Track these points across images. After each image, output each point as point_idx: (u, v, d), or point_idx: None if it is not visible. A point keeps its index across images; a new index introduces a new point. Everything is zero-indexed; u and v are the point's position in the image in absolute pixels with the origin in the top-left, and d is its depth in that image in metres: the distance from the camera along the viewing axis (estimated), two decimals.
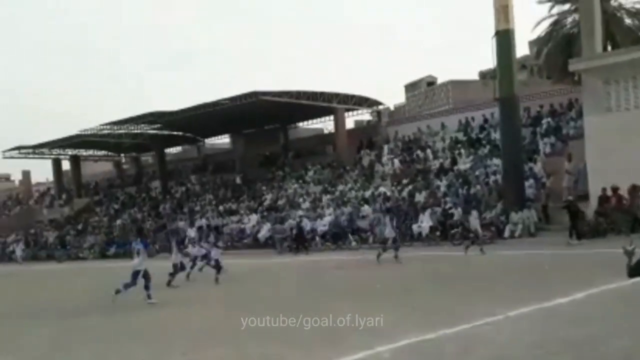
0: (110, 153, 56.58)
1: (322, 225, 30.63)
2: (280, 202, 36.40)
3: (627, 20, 37.74)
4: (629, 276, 6.58)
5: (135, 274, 14.93)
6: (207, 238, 21.70)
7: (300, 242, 29.11)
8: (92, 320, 13.50)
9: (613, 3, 37.71)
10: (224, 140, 53.46)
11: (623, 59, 23.28)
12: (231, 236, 34.35)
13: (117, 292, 14.90)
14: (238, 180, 43.28)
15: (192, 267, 20.52)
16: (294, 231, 29.90)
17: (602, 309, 10.06)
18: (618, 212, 21.52)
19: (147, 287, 15.08)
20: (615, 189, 21.61)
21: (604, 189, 21.90)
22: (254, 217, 34.98)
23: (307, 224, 31.00)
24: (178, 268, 19.26)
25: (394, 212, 23.41)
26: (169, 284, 18.35)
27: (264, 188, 39.89)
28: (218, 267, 19.15)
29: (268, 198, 37.85)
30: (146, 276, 15.03)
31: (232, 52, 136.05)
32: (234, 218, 36.51)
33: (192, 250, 21.45)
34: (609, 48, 33.33)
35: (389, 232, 20.93)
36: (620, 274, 10.21)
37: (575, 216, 20.85)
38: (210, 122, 42.98)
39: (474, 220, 20.99)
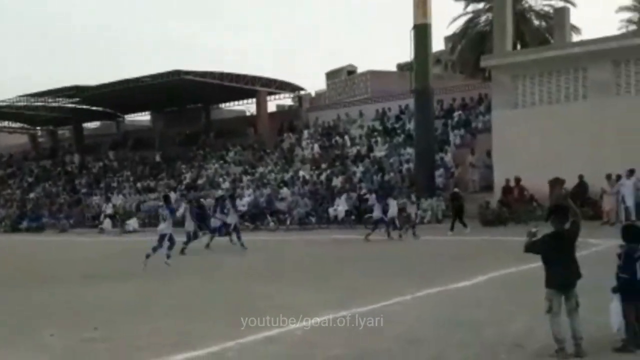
0: (25, 125, 54.11)
1: (242, 205, 30.42)
2: (200, 182, 35.91)
3: (536, 22, 39.25)
4: (524, 251, 6.98)
5: (162, 237, 15.71)
6: (223, 209, 21.37)
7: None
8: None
9: (524, 4, 39.09)
10: (144, 117, 52.13)
11: (531, 58, 24.23)
12: (149, 214, 33.65)
13: (147, 256, 15.24)
14: (157, 158, 42.32)
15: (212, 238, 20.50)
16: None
17: (502, 291, 10.45)
18: (520, 202, 22.46)
19: (169, 248, 15.85)
20: (518, 180, 22.51)
21: (507, 180, 22.76)
22: (173, 196, 34.28)
23: (226, 204, 30.71)
24: (191, 237, 19.65)
25: (384, 193, 22.89)
26: (182, 251, 18.59)
27: (183, 167, 39.22)
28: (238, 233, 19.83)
29: (187, 177, 37.27)
30: (171, 240, 15.92)
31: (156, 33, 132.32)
32: (152, 196, 35.74)
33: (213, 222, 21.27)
34: (519, 47, 34.58)
35: (377, 213, 20.76)
36: (518, 258, 10.72)
37: (459, 207, 21.17)
38: (131, 98, 41.80)
39: (393, 207, 21.07)
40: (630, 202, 19.84)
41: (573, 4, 35.94)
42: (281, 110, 47.61)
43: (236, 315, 9.52)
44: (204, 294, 11.27)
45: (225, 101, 46.68)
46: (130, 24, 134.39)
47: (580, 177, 21.35)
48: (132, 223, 32.71)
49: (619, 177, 20.31)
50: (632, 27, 38.47)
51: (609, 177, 20.43)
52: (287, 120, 41.38)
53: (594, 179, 20.98)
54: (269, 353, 7.52)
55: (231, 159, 38.31)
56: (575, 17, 44.31)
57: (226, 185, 33.87)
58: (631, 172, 19.97)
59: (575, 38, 33.84)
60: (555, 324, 6.72)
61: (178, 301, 11.10)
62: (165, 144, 43.93)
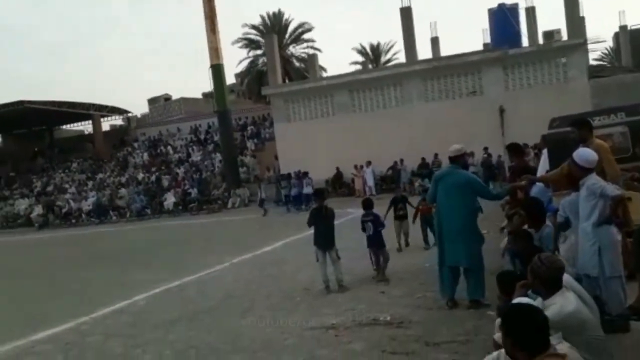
0: None
1: (87, 205, 27.49)
2: (49, 188, 31.70)
3: (297, 63, 40.97)
4: (308, 225, 7.27)
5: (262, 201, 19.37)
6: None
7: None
8: None
9: (287, 52, 40.58)
10: None
11: (295, 88, 25.06)
12: (6, 218, 29.13)
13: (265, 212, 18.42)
14: (12, 173, 36.43)
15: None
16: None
17: (292, 252, 10.64)
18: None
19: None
20: (301, 173, 22.57)
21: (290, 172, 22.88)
22: (25, 201, 30.05)
23: (72, 204, 27.63)
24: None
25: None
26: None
27: (34, 177, 34.28)
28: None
29: (38, 185, 32.69)
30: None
31: None
32: (9, 202, 30.80)
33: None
34: (287, 80, 35.75)
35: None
36: (300, 229, 11.02)
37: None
38: None
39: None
40: (370, 182, 21.35)
41: (320, 51, 38.08)
42: (114, 128, 43.66)
43: (89, 292, 8.62)
44: (55, 281, 9.90)
45: (66, 123, 41.43)
46: None
47: (337, 168, 22.53)
48: None
49: (362, 167, 21.59)
50: (358, 67, 41.68)
51: (355, 167, 21.66)
52: (119, 136, 38.18)
53: (346, 168, 22.11)
54: (117, 322, 6.92)
55: (75, 169, 34.35)
56: (322, 59, 47.06)
57: (72, 190, 30.30)
58: (369, 163, 21.38)
59: (324, 74, 35.88)
60: (321, 270, 7.05)
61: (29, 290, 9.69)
62: (17, 160, 37.89)
